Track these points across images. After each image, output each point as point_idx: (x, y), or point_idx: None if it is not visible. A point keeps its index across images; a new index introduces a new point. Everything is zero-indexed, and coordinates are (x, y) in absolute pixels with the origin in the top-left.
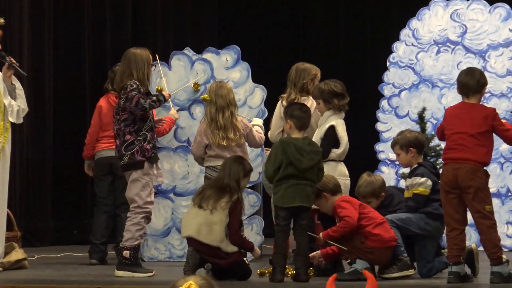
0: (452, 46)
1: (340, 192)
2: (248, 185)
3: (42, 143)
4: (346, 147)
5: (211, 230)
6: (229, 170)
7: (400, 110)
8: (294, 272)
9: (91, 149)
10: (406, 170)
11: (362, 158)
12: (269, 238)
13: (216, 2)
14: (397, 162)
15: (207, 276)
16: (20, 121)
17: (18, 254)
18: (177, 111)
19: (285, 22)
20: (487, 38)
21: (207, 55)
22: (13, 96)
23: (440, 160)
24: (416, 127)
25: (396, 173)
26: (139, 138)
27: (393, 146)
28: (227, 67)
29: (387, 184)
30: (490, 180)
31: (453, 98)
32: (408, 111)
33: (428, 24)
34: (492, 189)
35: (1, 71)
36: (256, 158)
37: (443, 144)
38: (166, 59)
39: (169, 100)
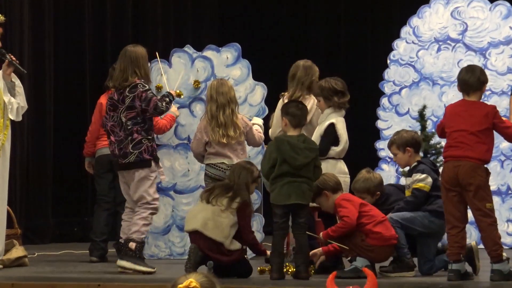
0: (453, 44)
1: (341, 190)
2: None
3: (43, 140)
4: (346, 145)
5: (218, 225)
6: (238, 175)
7: (400, 108)
8: (295, 269)
9: (92, 146)
10: (406, 168)
11: (362, 156)
12: (270, 236)
13: (216, 0)
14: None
15: (208, 273)
16: (20, 118)
17: (18, 251)
18: (178, 108)
19: (285, 19)
20: (488, 35)
21: (208, 53)
22: (12, 93)
23: (441, 158)
24: (417, 125)
25: (397, 170)
26: (148, 137)
27: (390, 146)
28: (227, 64)
29: (387, 182)
30: (490, 178)
31: (454, 95)
32: (409, 109)
33: (428, 21)
34: (493, 187)
35: (0, 69)
36: (257, 156)
37: (443, 142)
38: (166, 57)
39: None
